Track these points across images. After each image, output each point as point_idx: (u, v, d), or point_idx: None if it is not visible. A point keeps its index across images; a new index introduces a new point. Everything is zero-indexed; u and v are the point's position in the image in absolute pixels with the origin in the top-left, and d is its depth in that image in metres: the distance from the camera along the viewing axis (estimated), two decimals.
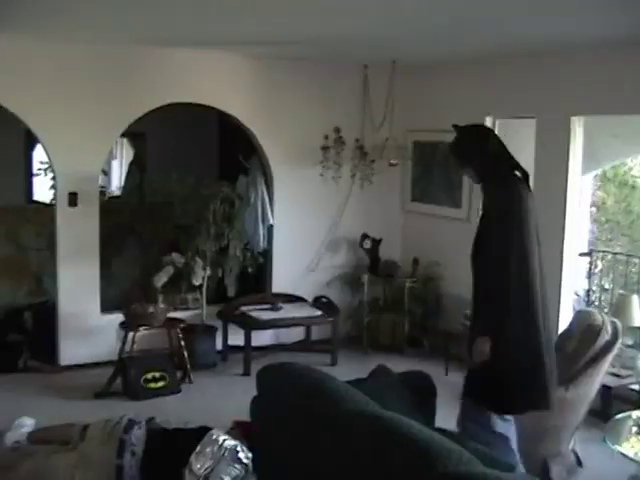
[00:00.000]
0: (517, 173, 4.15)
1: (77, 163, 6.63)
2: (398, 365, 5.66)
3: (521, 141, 6.86)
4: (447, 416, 4.54)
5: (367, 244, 7.58)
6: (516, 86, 6.54)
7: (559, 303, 6.17)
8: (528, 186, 4.19)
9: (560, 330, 5.61)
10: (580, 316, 5.07)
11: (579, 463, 4.86)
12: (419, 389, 4.19)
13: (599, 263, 7.39)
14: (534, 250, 4.05)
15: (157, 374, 6.27)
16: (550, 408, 4.11)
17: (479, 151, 4.20)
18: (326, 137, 7.51)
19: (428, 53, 6.65)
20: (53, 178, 6.75)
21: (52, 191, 7.17)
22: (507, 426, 4.16)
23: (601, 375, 4.79)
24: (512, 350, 4.00)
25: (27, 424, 5.21)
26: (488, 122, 6.84)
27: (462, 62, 6.99)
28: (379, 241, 7.60)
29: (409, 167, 7.86)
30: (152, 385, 6.22)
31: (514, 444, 4.18)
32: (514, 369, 4.01)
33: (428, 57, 6.93)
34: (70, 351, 6.77)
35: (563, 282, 6.20)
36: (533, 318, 4.02)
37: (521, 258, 3.97)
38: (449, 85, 7.32)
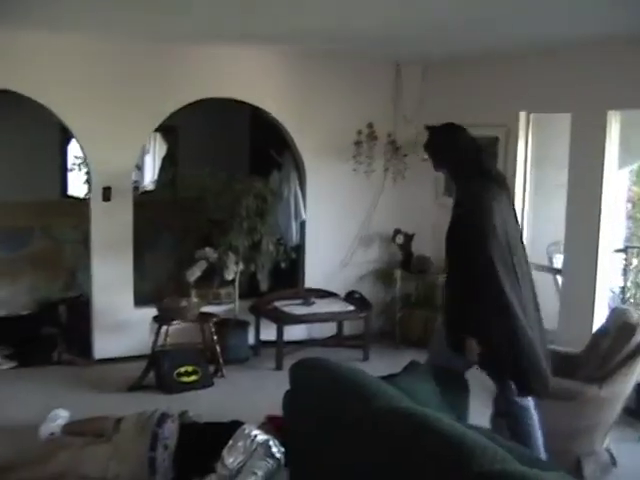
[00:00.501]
0: (488, 172, 4.33)
1: (111, 158, 6.68)
2: None
3: (554, 134, 6.83)
4: (480, 413, 4.52)
5: (400, 239, 7.56)
6: (550, 81, 6.47)
7: (594, 300, 6.10)
8: (501, 184, 4.34)
9: (595, 328, 5.56)
10: (615, 314, 5.02)
11: (613, 462, 4.82)
12: (452, 385, 4.17)
13: (634, 260, 7.29)
14: (500, 248, 4.09)
15: (190, 368, 6.30)
16: (545, 395, 4.17)
17: (451, 150, 4.42)
18: (359, 132, 7.49)
19: (460, 48, 6.60)
20: (87, 173, 6.81)
21: (86, 185, 7.23)
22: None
23: (636, 373, 4.73)
24: (494, 343, 4.09)
25: (61, 416, 5.27)
26: (522, 117, 6.78)
27: (495, 57, 6.92)
28: (412, 236, 7.58)
29: None
30: (185, 379, 6.25)
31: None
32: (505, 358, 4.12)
33: (460, 52, 6.87)
34: (104, 345, 6.83)
35: (598, 279, 6.12)
36: (505, 308, 4.06)
37: (484, 256, 4.05)
38: (482, 80, 7.25)
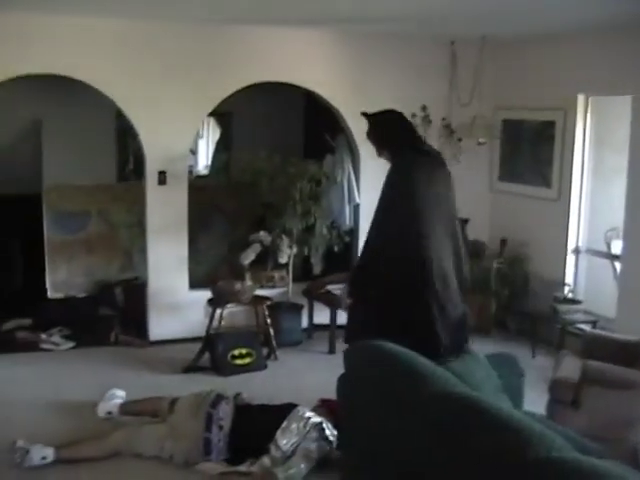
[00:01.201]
0: (425, 152, 4.65)
1: (166, 142, 6.74)
2: (484, 347, 5.62)
3: (614, 117, 6.71)
4: (534, 399, 4.49)
5: None
6: (611, 62, 6.33)
7: None
8: (439, 163, 4.69)
9: None
10: None
11: None
12: (507, 371, 4.14)
13: None
14: (420, 218, 4.43)
15: (244, 350, 6.34)
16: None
17: (390, 135, 4.65)
18: (413, 115, 7.40)
19: (519, 28, 6.49)
20: (143, 157, 6.87)
21: (142, 170, 7.29)
22: None
23: None
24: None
25: (118, 396, 5.36)
26: (580, 100, 6.67)
27: (554, 37, 6.80)
28: (466, 221, 7.49)
29: (497, 146, 7.73)
30: (239, 361, 6.30)
31: None
32: None
33: (519, 32, 6.75)
34: (159, 326, 6.91)
35: None
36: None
37: (401, 221, 4.50)
38: (540, 61, 7.14)
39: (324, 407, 4.79)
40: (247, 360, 6.33)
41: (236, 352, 6.30)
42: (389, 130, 4.69)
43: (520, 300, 7.34)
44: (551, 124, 6.99)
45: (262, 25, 6.66)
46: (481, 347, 4.73)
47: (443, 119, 7.52)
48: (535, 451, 2.44)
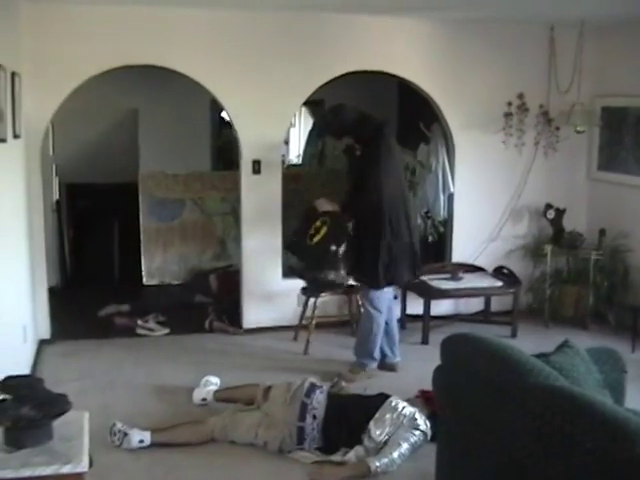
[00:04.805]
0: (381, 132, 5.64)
1: (261, 132, 6.77)
2: (581, 340, 5.50)
3: None
4: (634, 396, 4.35)
5: (551, 214, 7.33)
6: None
7: None
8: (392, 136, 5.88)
9: None
10: None
11: None
12: (609, 367, 4.02)
13: None
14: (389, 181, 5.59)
15: None
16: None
17: (343, 123, 5.70)
18: (509, 103, 7.29)
19: (621, 11, 6.26)
20: (238, 146, 6.93)
21: (237, 159, 7.36)
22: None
23: None
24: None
25: (213, 382, 5.43)
26: None
27: None
28: (563, 211, 7.34)
29: (596, 134, 7.51)
30: None
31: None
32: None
33: (620, 16, 6.53)
34: (253, 314, 6.97)
35: None
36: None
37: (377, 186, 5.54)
38: None
39: (420, 398, 4.76)
40: None
41: None
42: (339, 122, 5.80)
43: (620, 293, 7.14)
44: None
45: (357, 14, 6.62)
46: (578, 340, 4.60)
47: (541, 106, 7.35)
48: None
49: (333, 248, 5.74)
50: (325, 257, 5.86)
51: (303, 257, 6.22)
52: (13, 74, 5.22)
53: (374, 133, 5.61)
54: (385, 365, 5.99)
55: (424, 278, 6.95)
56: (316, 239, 5.73)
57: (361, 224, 5.73)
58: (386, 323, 5.88)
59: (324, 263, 5.93)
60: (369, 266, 5.65)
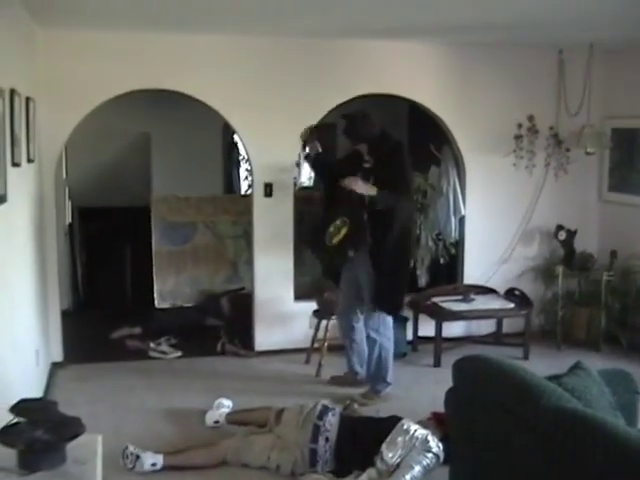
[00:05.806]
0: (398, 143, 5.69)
1: (272, 155, 6.81)
2: (594, 362, 5.48)
3: None
4: None
5: (562, 235, 7.33)
6: None
7: None
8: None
9: None
10: None
11: None
12: (621, 389, 4.01)
13: None
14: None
15: None
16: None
17: (368, 131, 5.66)
18: (519, 125, 7.32)
19: (629, 34, 6.29)
20: (249, 169, 6.96)
21: (246, 182, 7.41)
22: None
23: None
24: None
25: (225, 405, 5.44)
26: None
27: None
28: (574, 232, 7.33)
29: (606, 155, 7.53)
30: None
31: None
32: None
33: (628, 38, 6.56)
34: (265, 337, 6.98)
35: None
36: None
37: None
38: None
39: (433, 420, 4.76)
40: None
41: None
42: (365, 129, 5.73)
43: (632, 314, 7.12)
44: None
45: (368, 38, 6.67)
46: (591, 362, 4.59)
47: (551, 128, 7.38)
48: None
49: (351, 254, 5.66)
50: (342, 263, 5.83)
51: (323, 259, 6.28)
52: (28, 99, 5.28)
53: (391, 150, 5.60)
54: (356, 382, 6.03)
55: (436, 300, 6.97)
56: (335, 240, 5.62)
57: (390, 246, 5.51)
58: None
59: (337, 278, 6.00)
60: (394, 291, 5.65)
